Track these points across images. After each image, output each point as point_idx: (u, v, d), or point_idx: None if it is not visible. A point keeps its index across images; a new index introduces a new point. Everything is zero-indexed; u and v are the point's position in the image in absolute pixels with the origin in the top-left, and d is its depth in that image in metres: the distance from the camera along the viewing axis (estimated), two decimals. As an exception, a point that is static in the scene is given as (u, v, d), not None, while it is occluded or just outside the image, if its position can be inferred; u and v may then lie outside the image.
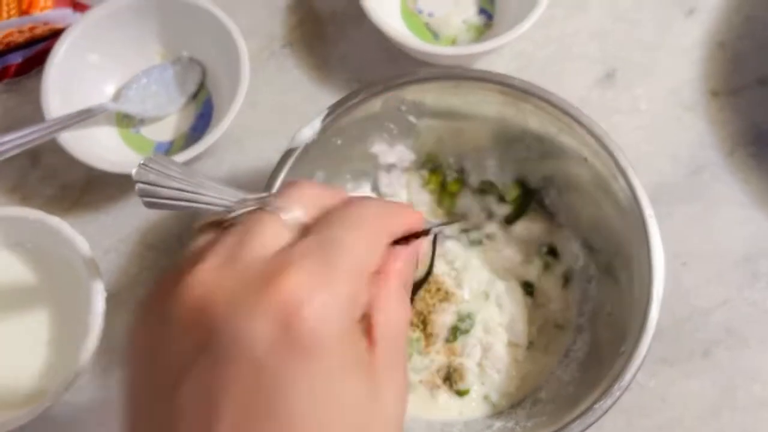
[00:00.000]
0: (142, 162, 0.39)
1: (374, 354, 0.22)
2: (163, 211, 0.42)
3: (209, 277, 0.22)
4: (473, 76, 0.46)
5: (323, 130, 0.46)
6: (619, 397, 0.40)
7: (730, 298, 0.54)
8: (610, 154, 0.45)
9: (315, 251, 0.22)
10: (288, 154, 0.45)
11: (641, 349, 0.40)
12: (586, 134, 0.46)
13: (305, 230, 0.24)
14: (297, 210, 0.24)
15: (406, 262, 0.25)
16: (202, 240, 0.24)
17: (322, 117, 0.46)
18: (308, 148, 0.46)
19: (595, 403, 0.40)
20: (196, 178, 0.40)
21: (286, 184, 0.26)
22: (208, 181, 0.42)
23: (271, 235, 0.23)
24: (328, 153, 0.49)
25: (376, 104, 0.47)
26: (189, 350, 0.21)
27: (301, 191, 0.25)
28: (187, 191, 0.40)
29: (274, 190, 0.45)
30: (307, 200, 0.25)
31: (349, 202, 0.25)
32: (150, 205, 0.39)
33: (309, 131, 0.46)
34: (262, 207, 0.24)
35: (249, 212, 0.24)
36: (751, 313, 0.54)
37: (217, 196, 0.42)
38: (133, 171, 0.39)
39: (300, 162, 0.46)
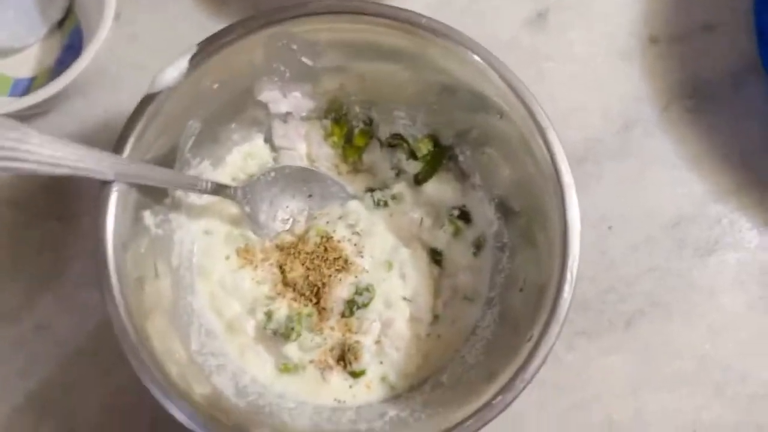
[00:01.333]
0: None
1: None
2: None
3: None
4: (372, 11, 0.39)
5: (192, 72, 0.39)
6: (521, 390, 0.35)
7: (656, 267, 0.50)
8: (529, 109, 0.39)
9: None
10: (146, 100, 0.38)
11: (549, 336, 0.36)
12: (502, 85, 0.39)
13: None
14: None
15: None
16: None
17: (189, 55, 0.38)
18: (174, 94, 0.38)
19: (494, 398, 0.35)
20: (17, 132, 0.33)
21: None
22: (39, 135, 0.34)
23: None
24: (204, 99, 0.41)
25: (258, 42, 0.40)
26: None
27: None
28: (13, 149, 0.33)
29: (128, 145, 0.37)
30: None
31: None
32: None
33: (173, 72, 0.38)
34: None
35: None
36: (677, 284, 0.50)
37: (54, 155, 0.34)
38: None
39: (165, 108, 0.39)
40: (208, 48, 0.39)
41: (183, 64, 0.38)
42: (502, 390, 0.35)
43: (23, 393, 0.47)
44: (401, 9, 0.40)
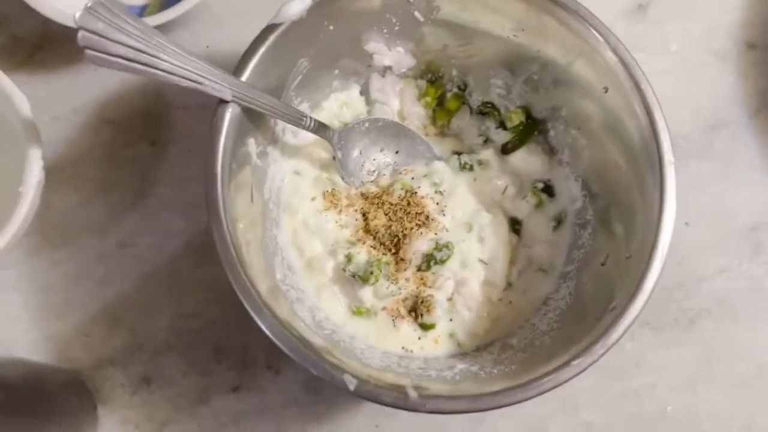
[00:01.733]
0: (89, 4, 0.32)
1: None
2: (118, 74, 0.36)
3: None
4: (496, -29, 0.40)
5: (315, 9, 0.40)
6: (600, 357, 0.36)
7: (728, 268, 0.50)
8: (637, 87, 0.39)
9: None
10: (269, 29, 0.39)
11: (634, 307, 0.36)
12: (613, 59, 0.40)
13: None
14: None
15: None
16: None
17: (314, -8, 0.39)
18: (294, 28, 0.40)
19: (573, 359, 0.35)
20: (155, 39, 0.34)
21: None
22: (173, 46, 0.36)
23: None
24: (317, 40, 0.42)
25: (380, -11, 0.41)
26: None
27: None
28: (145, 53, 0.34)
29: (247, 69, 0.38)
30: None
31: None
32: (95, 60, 0.33)
33: (299, 5, 0.39)
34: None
35: None
36: (747, 287, 0.50)
37: (182, 66, 0.36)
38: (77, 15, 0.33)
39: (282, 43, 0.40)
40: (333, -13, 0.40)
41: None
42: (581, 353, 0.36)
43: (101, 304, 0.49)
44: (521, -26, 0.41)
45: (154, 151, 0.51)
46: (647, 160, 0.40)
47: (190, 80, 0.36)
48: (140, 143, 0.51)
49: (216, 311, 0.48)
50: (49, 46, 0.52)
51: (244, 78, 0.38)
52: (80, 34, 0.32)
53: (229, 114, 0.38)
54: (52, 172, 0.50)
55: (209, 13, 0.53)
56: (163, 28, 0.49)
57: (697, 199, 0.51)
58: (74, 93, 0.52)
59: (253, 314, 0.35)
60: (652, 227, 0.38)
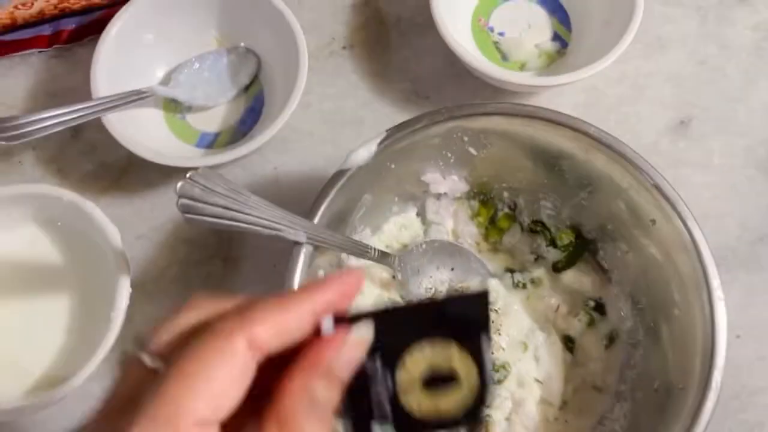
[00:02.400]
0: (188, 176, 0.37)
1: None
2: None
3: None
4: (546, 116, 0.43)
5: (378, 154, 0.44)
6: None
7: (782, 381, 0.51)
8: (684, 221, 0.42)
9: None
10: (338, 175, 0.43)
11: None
12: (659, 196, 0.42)
13: None
14: None
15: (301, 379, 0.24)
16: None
17: (379, 140, 0.43)
18: (360, 171, 0.43)
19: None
20: (242, 196, 0.38)
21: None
22: (253, 197, 0.40)
23: None
24: (380, 176, 0.46)
25: (438, 131, 0.45)
26: None
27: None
28: (232, 209, 0.38)
29: (318, 213, 0.42)
30: None
31: None
32: (191, 222, 0.37)
33: (365, 153, 0.43)
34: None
35: None
36: (803, 401, 0.50)
37: (263, 217, 0.40)
38: (178, 185, 0.37)
39: (349, 184, 0.44)
40: (395, 134, 0.43)
41: (373, 147, 0.43)
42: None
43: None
44: (569, 116, 0.44)
45: (226, 268, 0.55)
46: (696, 291, 0.42)
47: (270, 228, 0.40)
48: (213, 260, 0.55)
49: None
50: (133, 172, 0.57)
51: (315, 220, 0.42)
52: (180, 201, 0.36)
53: (303, 254, 0.42)
54: (135, 287, 0.53)
55: (276, 137, 0.58)
56: (238, 158, 0.53)
57: (747, 311, 0.52)
58: (154, 213, 0.57)
59: None
60: (705, 363, 0.39)
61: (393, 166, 0.46)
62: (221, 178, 0.38)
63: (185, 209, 0.36)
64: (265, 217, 0.39)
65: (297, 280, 0.41)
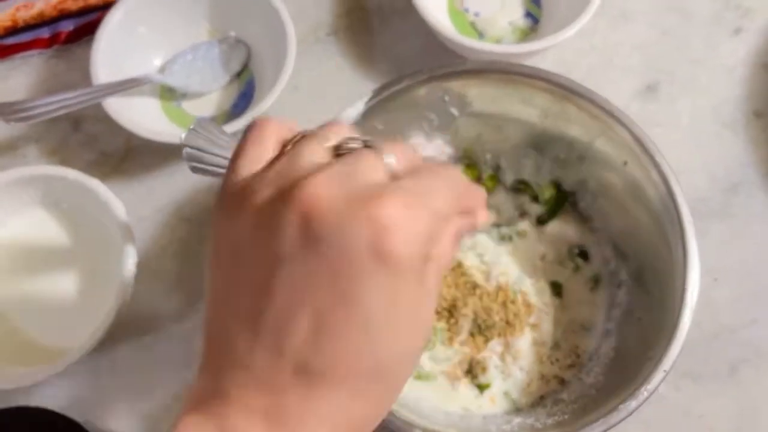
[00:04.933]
0: (192, 126, 0.40)
1: (427, 270, 0.27)
2: (203, 179, 0.42)
3: (323, 189, 0.26)
4: (521, 71, 0.47)
5: (366, 113, 0.46)
6: (645, 400, 0.40)
7: (760, 318, 0.54)
8: (652, 159, 0.45)
9: (411, 190, 0.26)
10: (331, 132, 0.46)
11: (671, 354, 0.40)
12: (628, 137, 0.46)
13: (395, 175, 0.28)
14: (393, 157, 0.28)
15: (466, 224, 0.29)
16: (303, 157, 0.28)
17: (366, 99, 0.46)
18: (351, 129, 0.46)
19: (620, 403, 0.39)
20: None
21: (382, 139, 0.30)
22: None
23: (375, 169, 0.27)
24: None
25: (420, 92, 0.48)
26: (292, 243, 0.25)
27: (395, 145, 0.29)
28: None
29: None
30: (399, 152, 0.29)
31: (437, 165, 0.29)
32: (195, 170, 0.40)
33: (353, 112, 0.46)
34: (366, 145, 0.29)
35: (354, 148, 0.29)
36: (780, 334, 0.53)
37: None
38: (183, 135, 0.40)
39: (341, 143, 0.46)
40: (381, 93, 0.47)
41: (360, 105, 0.46)
42: (628, 398, 0.39)
43: (177, 385, 0.54)
44: (542, 69, 0.47)
45: (226, 243, 0.57)
46: (669, 222, 0.45)
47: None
48: (213, 237, 0.58)
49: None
50: (132, 158, 0.60)
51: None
52: (185, 151, 0.39)
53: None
54: (139, 266, 0.56)
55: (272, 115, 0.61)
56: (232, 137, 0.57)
57: (723, 257, 0.55)
58: (155, 196, 0.59)
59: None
60: (681, 283, 0.42)
61: (381, 127, 0.49)
62: (223, 131, 0.40)
63: (190, 158, 0.39)
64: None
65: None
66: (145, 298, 0.56)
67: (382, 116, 0.48)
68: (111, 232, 0.51)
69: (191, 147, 0.39)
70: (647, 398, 0.39)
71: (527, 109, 0.49)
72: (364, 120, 0.47)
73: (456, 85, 0.48)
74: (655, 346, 0.42)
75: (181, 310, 0.56)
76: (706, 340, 0.53)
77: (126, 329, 0.55)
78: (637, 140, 0.45)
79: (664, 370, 0.40)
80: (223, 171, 0.40)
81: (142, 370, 0.54)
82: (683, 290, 0.41)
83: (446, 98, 0.49)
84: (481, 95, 0.49)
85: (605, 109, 0.46)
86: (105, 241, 0.52)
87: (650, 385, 0.39)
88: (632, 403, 0.39)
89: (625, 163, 0.47)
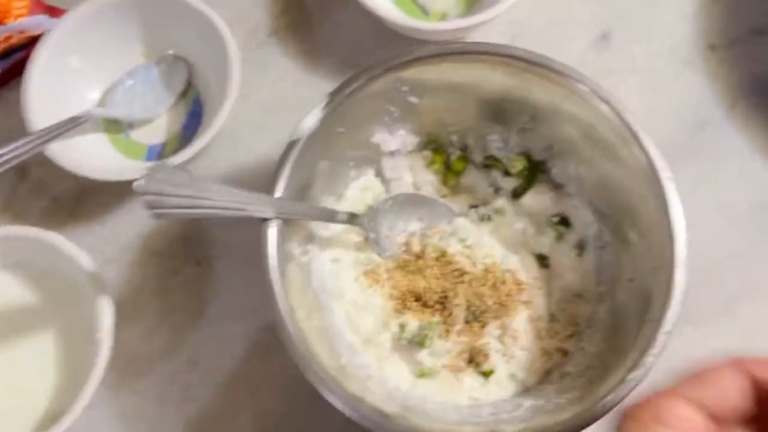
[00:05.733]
0: (145, 173, 0.37)
1: None
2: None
3: None
4: (475, 49, 0.45)
5: (324, 119, 0.45)
6: (652, 366, 0.39)
7: (744, 253, 0.54)
8: (621, 118, 0.44)
9: None
10: (291, 146, 0.44)
11: (670, 314, 0.40)
12: (593, 99, 0.45)
13: None
14: None
15: None
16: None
17: (322, 105, 0.45)
18: (311, 139, 0.45)
19: (627, 374, 0.39)
20: (202, 183, 0.39)
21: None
22: (215, 184, 0.41)
23: None
24: (331, 142, 0.47)
25: (376, 87, 0.46)
26: None
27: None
28: (195, 197, 0.39)
29: (279, 186, 0.43)
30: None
31: None
32: (158, 217, 0.38)
33: (311, 120, 0.44)
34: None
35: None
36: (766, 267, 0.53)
37: (226, 199, 0.41)
38: (135, 184, 0.38)
39: (303, 153, 0.45)
40: (337, 95, 0.45)
41: (317, 112, 0.44)
42: (634, 367, 0.39)
43: (181, 422, 0.52)
44: (494, 44, 0.46)
45: (201, 271, 0.56)
46: (646, 179, 0.44)
47: (236, 209, 0.40)
48: (187, 266, 0.56)
49: (294, 401, 0.52)
50: (86, 200, 0.57)
51: (278, 195, 0.43)
52: (144, 199, 0.37)
53: (274, 228, 0.43)
54: (116, 310, 0.54)
55: (221, 135, 0.58)
56: (187, 161, 0.54)
57: (698, 197, 0.55)
58: (118, 235, 0.57)
59: (326, 394, 0.39)
60: (667, 239, 0.42)
61: (342, 130, 0.47)
62: (178, 169, 0.38)
63: (150, 206, 0.37)
64: (229, 200, 0.40)
65: (273, 257, 0.42)
66: (129, 343, 0.54)
67: (342, 118, 0.46)
68: (81, 284, 0.49)
69: (150, 194, 0.37)
70: (654, 363, 0.39)
71: (486, 85, 0.47)
72: (324, 126, 0.45)
73: (412, 73, 0.46)
74: (651, 306, 0.42)
75: (171, 348, 0.54)
76: (696, 285, 0.52)
77: (115, 377, 0.53)
78: (604, 100, 0.44)
79: (667, 332, 0.39)
80: (186, 212, 0.38)
81: (137, 417, 0.52)
82: (672, 249, 0.41)
83: (403, 88, 0.48)
84: (438, 79, 0.47)
85: (565, 74, 0.45)
86: (76, 294, 0.50)
87: (655, 350, 0.39)
88: (639, 372, 0.39)
89: (594, 126, 0.46)
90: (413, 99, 0.49)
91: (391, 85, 0.47)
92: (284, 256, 0.44)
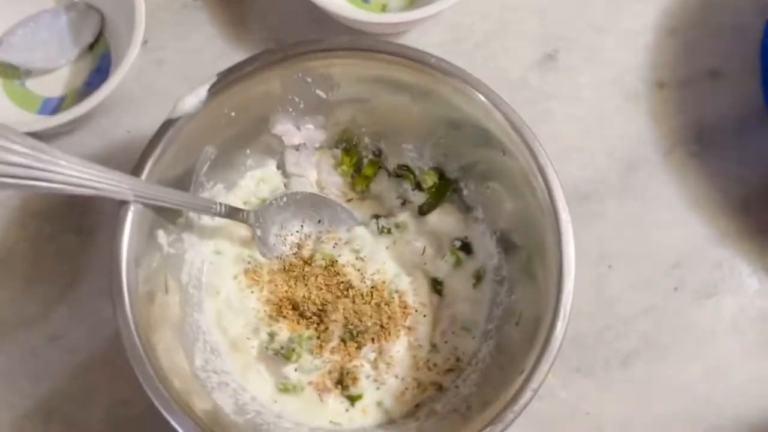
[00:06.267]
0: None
1: None
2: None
3: None
4: (385, 49, 0.41)
5: (211, 100, 0.41)
6: (511, 422, 0.36)
7: (654, 307, 0.51)
8: (530, 148, 0.40)
9: None
10: (166, 125, 0.40)
11: (540, 371, 0.37)
12: (506, 124, 0.41)
13: None
14: None
15: None
16: None
17: (209, 84, 0.41)
18: (193, 120, 0.41)
19: (485, 427, 0.36)
20: (48, 154, 0.35)
21: None
22: (67, 156, 0.36)
23: None
24: (220, 126, 0.43)
25: (275, 74, 0.42)
26: None
27: None
28: (36, 168, 0.35)
29: (146, 167, 0.39)
30: None
31: None
32: (-19, 183, 0.34)
33: (193, 100, 0.40)
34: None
35: None
36: (674, 325, 0.51)
37: (77, 175, 0.36)
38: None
39: (184, 134, 0.41)
40: (227, 78, 0.41)
41: (202, 92, 0.40)
42: (492, 421, 0.36)
43: (33, 399, 0.49)
44: (411, 48, 0.42)
45: (81, 241, 0.51)
46: (548, 217, 0.41)
47: (87, 187, 0.36)
48: (66, 234, 0.52)
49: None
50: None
51: (143, 176, 0.39)
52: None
53: (132, 213, 0.39)
54: (-22, 271, 0.50)
55: (128, 99, 0.54)
56: (83, 118, 0.50)
57: (619, 240, 0.52)
58: (-2, 188, 0.52)
59: (166, 415, 0.36)
60: (554, 287, 0.38)
61: (233, 114, 0.43)
62: (20, 135, 0.34)
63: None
64: (79, 175, 0.36)
65: (125, 242, 0.38)
66: (-11, 310, 0.50)
67: (234, 103, 0.42)
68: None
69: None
70: (513, 420, 0.36)
71: (398, 91, 0.44)
72: (210, 107, 0.41)
73: (317, 65, 0.42)
74: (527, 356, 0.39)
75: (34, 318, 0.50)
76: (598, 333, 0.50)
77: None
78: (514, 127, 0.41)
79: (533, 389, 0.36)
80: (21, 182, 0.34)
81: (-13, 387, 0.48)
82: (557, 299, 0.38)
83: (308, 79, 0.44)
84: (347, 76, 0.43)
85: (481, 91, 0.41)
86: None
87: (516, 407, 0.36)
88: (496, 427, 0.36)
89: (504, 153, 0.42)
90: (320, 92, 0.45)
91: (294, 75, 0.43)
92: (146, 248, 0.40)
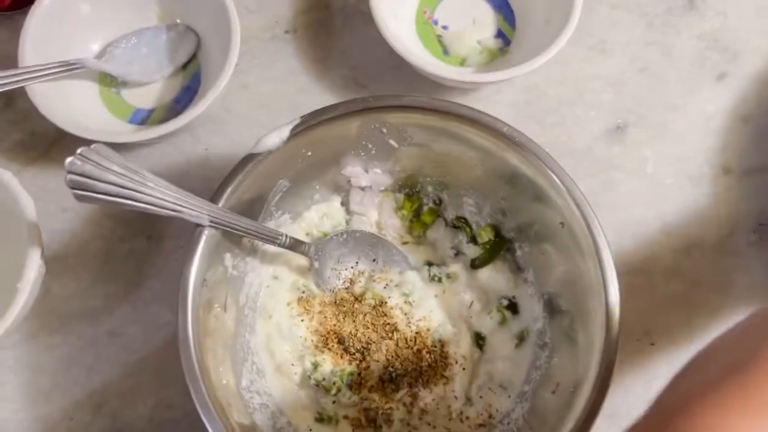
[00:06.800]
0: (79, 152, 0.36)
1: None
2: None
3: None
4: (460, 113, 0.43)
5: (292, 140, 0.43)
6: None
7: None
8: (588, 224, 0.42)
9: None
10: (247, 159, 0.43)
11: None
12: (568, 198, 0.42)
13: None
14: None
15: None
16: None
17: (292, 126, 0.43)
18: (272, 156, 0.43)
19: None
20: (139, 175, 0.38)
21: None
22: (154, 178, 0.39)
23: None
24: (296, 163, 0.46)
25: (354, 122, 0.44)
26: None
27: None
28: (127, 188, 0.38)
29: (224, 195, 0.42)
30: None
31: None
32: (81, 199, 0.37)
33: (276, 138, 0.43)
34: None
35: None
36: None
37: (161, 197, 0.39)
38: (67, 161, 0.37)
39: (261, 167, 0.43)
40: (309, 121, 0.43)
41: (285, 132, 0.43)
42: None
43: (86, 389, 0.52)
44: (486, 114, 0.44)
45: (150, 246, 0.55)
46: (599, 294, 0.42)
47: (169, 209, 0.39)
48: (138, 237, 0.55)
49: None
50: (62, 144, 0.57)
51: (221, 204, 0.42)
52: (68, 177, 0.36)
53: (205, 237, 0.41)
54: (56, 259, 0.54)
55: (210, 118, 0.57)
56: (167, 134, 0.53)
57: (665, 318, 0.53)
58: (82, 187, 0.56)
59: (206, 423, 0.38)
60: (602, 364, 0.39)
61: (309, 153, 0.46)
62: (117, 156, 0.37)
63: (74, 185, 0.36)
64: (163, 197, 0.39)
65: (196, 263, 0.41)
66: (59, 295, 0.54)
67: (311, 143, 0.45)
68: (20, 229, 0.49)
69: (77, 174, 0.36)
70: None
71: (468, 149, 0.45)
72: (289, 145, 0.43)
73: (393, 118, 0.45)
74: (564, 424, 0.39)
75: (97, 313, 0.53)
76: (634, 402, 0.51)
77: (35, 325, 0.53)
78: (576, 203, 0.42)
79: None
80: (111, 199, 0.37)
81: (45, 372, 0.52)
82: (599, 371, 0.39)
83: (384, 130, 0.46)
84: (420, 131, 0.45)
85: (548, 164, 0.43)
86: (14, 234, 0.49)
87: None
88: (521, 494, 0.37)
89: (562, 224, 0.44)
90: (393, 142, 0.47)
91: (371, 124, 0.45)
92: (213, 268, 0.43)
